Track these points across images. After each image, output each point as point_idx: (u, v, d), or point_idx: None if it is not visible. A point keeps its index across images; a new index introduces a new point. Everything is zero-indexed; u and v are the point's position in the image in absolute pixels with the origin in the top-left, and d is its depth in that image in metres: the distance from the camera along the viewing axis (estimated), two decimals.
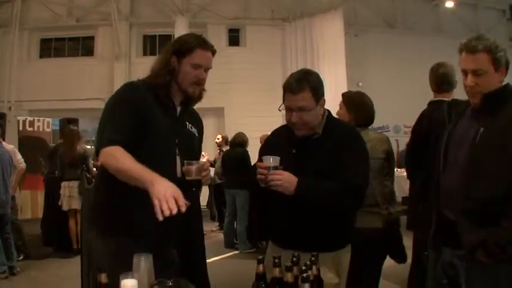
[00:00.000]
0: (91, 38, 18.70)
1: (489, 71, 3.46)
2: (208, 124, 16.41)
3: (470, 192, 3.22)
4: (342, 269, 3.58)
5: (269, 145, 3.86)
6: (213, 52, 3.55)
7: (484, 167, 3.21)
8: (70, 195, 9.90)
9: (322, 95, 3.55)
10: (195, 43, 3.45)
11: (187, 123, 3.61)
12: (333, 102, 15.77)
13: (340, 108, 5.08)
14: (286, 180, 3.28)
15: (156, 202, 2.70)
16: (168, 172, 3.20)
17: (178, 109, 3.52)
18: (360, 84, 18.17)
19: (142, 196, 2.84)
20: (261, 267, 2.30)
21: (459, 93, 4.45)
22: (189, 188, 3.20)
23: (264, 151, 3.61)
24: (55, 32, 18.55)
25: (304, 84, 3.44)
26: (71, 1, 18.34)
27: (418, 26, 19.81)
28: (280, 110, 3.60)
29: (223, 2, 18.55)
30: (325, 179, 3.36)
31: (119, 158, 3.02)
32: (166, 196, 2.71)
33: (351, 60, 17.51)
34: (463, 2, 20.15)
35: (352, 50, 17.80)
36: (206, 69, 3.48)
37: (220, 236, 11.61)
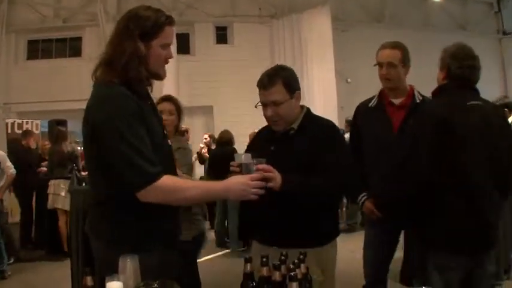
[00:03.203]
0: (78, 39, 18.62)
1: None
2: (197, 123, 16.39)
3: None
4: (327, 265, 3.60)
5: (252, 144, 3.93)
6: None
7: None
8: (54, 193, 9.86)
9: (297, 88, 3.61)
10: (162, 20, 3.03)
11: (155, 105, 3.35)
12: (321, 99, 15.82)
13: (170, 113, 5.11)
14: (276, 176, 3.27)
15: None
16: (170, 171, 3.16)
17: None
18: (349, 80, 18.21)
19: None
20: (248, 266, 2.28)
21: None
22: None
23: (247, 151, 3.57)
24: (42, 34, 18.47)
25: (276, 78, 3.51)
26: (58, 2, 18.27)
27: (406, 21, 19.87)
28: (256, 107, 3.63)
29: (210, 0, 18.49)
30: (305, 173, 3.38)
31: (189, 188, 2.96)
32: (248, 191, 2.99)
33: (339, 56, 17.53)
34: None
35: (340, 45, 17.82)
36: (171, 44, 3.16)
37: (212, 235, 11.56)
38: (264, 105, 3.57)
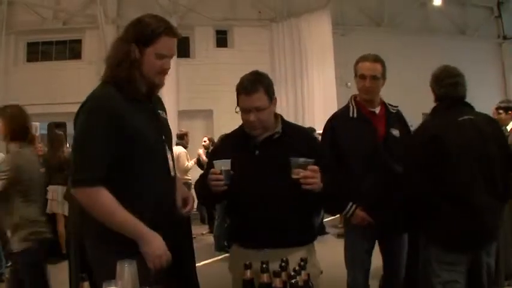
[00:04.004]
0: (78, 41, 18.54)
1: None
2: (197, 127, 16.36)
3: None
4: (316, 260, 3.71)
5: (224, 151, 3.80)
6: (179, 37, 3.21)
7: None
8: (53, 199, 9.86)
9: (274, 94, 3.65)
10: (160, 30, 3.05)
11: (159, 111, 3.39)
12: (321, 103, 15.82)
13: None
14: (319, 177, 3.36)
15: (151, 265, 2.92)
16: (163, 175, 3.20)
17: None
18: (349, 84, 18.12)
19: (131, 201, 2.93)
20: (248, 272, 2.25)
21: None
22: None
23: (219, 157, 3.54)
24: (42, 36, 18.39)
25: (257, 84, 3.53)
26: (57, 4, 18.21)
27: (405, 25, 19.84)
28: (237, 112, 3.63)
29: (210, 3, 18.48)
30: (288, 177, 3.38)
31: (114, 211, 2.91)
32: (160, 259, 2.96)
33: (339, 60, 17.46)
34: None
35: (340, 49, 17.74)
36: (171, 57, 3.19)
37: (211, 239, 11.52)
38: (246, 110, 3.56)
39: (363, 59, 4.85)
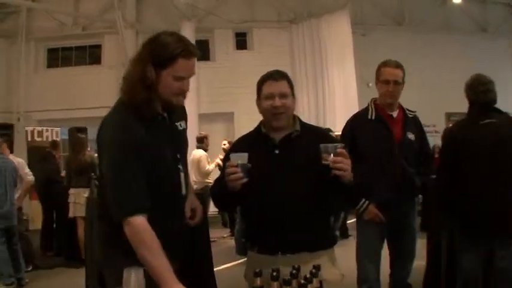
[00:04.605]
0: (98, 47, 18.74)
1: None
2: (217, 129, 16.33)
3: None
4: (337, 265, 3.63)
5: (241, 151, 3.63)
6: (197, 56, 3.08)
7: None
8: (75, 202, 9.86)
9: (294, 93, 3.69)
10: (177, 52, 2.93)
11: (176, 123, 3.28)
12: (342, 104, 15.69)
13: None
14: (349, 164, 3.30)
15: None
16: (175, 194, 3.14)
17: (166, 115, 3.16)
18: (370, 84, 18.03)
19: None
20: (258, 280, 2.18)
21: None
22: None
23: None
24: (61, 42, 18.62)
25: (282, 75, 3.63)
26: (76, 10, 18.34)
27: (426, 23, 19.69)
28: (263, 97, 3.61)
29: (229, 6, 18.54)
30: (310, 175, 3.39)
31: (150, 249, 2.74)
32: None
33: (359, 60, 17.37)
34: None
35: (361, 49, 17.66)
36: (190, 77, 3.07)
37: (232, 242, 11.47)
38: (271, 96, 3.54)
39: (385, 64, 5.05)
